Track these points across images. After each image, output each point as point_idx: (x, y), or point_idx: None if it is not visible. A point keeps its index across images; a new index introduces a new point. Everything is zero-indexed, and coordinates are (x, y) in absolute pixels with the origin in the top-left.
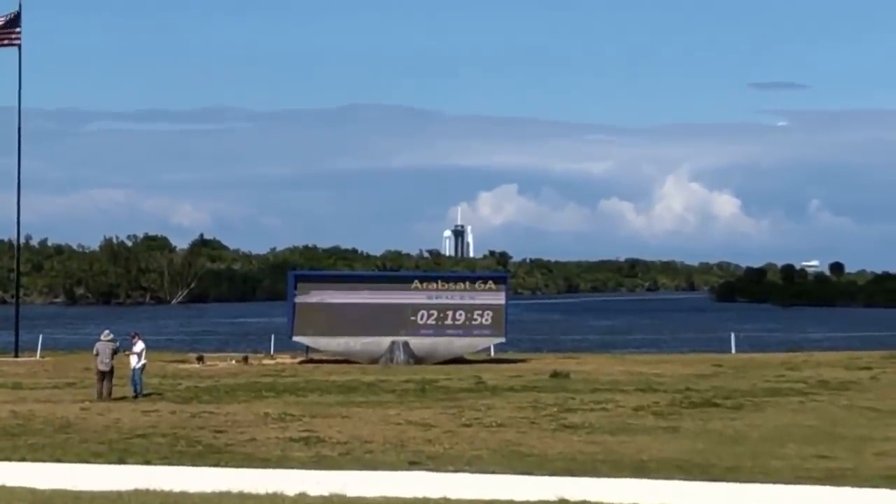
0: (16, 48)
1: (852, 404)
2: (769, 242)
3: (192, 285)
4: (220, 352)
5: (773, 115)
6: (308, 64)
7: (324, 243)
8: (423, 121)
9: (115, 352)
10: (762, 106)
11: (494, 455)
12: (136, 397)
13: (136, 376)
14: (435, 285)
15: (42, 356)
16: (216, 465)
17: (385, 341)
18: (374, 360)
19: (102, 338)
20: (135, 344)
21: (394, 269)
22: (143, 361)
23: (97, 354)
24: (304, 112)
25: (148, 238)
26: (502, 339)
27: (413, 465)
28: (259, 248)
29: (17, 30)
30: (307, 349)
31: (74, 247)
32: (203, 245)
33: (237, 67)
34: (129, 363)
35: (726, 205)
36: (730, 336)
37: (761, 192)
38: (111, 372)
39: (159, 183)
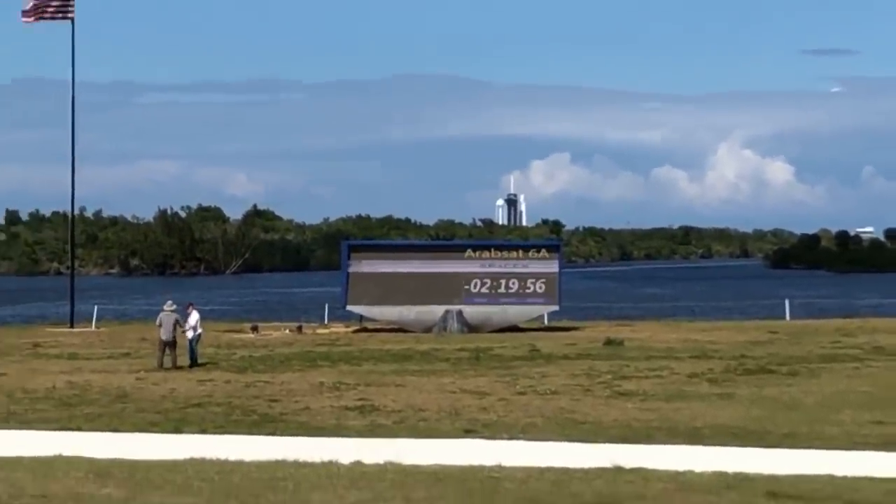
0: (69, 21)
1: None
2: (823, 209)
3: (247, 255)
4: (275, 321)
5: (826, 82)
6: (357, 35)
7: (377, 213)
8: (473, 90)
9: (177, 322)
10: (815, 72)
11: (549, 423)
12: (191, 367)
13: (192, 346)
14: (488, 254)
15: (97, 327)
16: (271, 433)
17: (439, 310)
18: (427, 329)
19: (165, 308)
20: (189, 314)
21: (447, 239)
22: (199, 331)
23: (160, 325)
24: (353, 83)
25: (202, 209)
26: (556, 307)
27: (468, 433)
28: (312, 218)
29: (71, 3)
30: (361, 318)
31: (129, 218)
32: (257, 215)
33: (288, 39)
34: (185, 333)
35: (780, 172)
36: (784, 303)
37: (815, 158)
38: (174, 342)
39: (212, 154)
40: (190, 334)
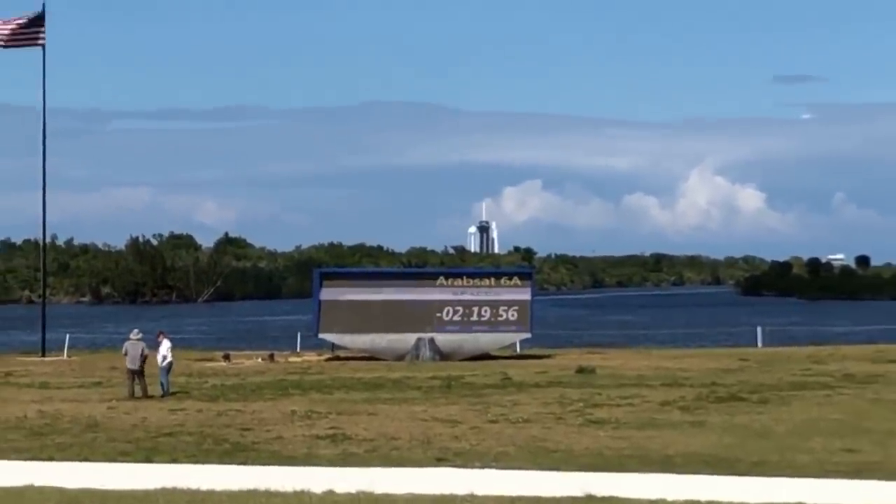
0: (40, 48)
1: (879, 398)
2: (794, 236)
3: (218, 283)
4: (247, 350)
5: (796, 109)
6: (326, 61)
7: (348, 240)
8: (442, 117)
9: (143, 352)
10: (785, 99)
11: (521, 451)
12: (163, 396)
13: (163, 375)
14: (460, 281)
15: (69, 356)
16: (243, 463)
17: (411, 338)
18: (399, 357)
19: (132, 337)
20: (161, 343)
21: (419, 266)
22: (170, 359)
23: (126, 353)
24: (323, 109)
25: (173, 237)
26: (528, 335)
27: (439, 461)
28: (284, 245)
29: (42, 30)
30: (333, 346)
31: (100, 246)
32: (228, 243)
33: (257, 66)
34: (156, 362)
35: (751, 199)
36: (756, 330)
37: (786, 185)
38: (141, 371)
39: (183, 181)
40: (161, 363)
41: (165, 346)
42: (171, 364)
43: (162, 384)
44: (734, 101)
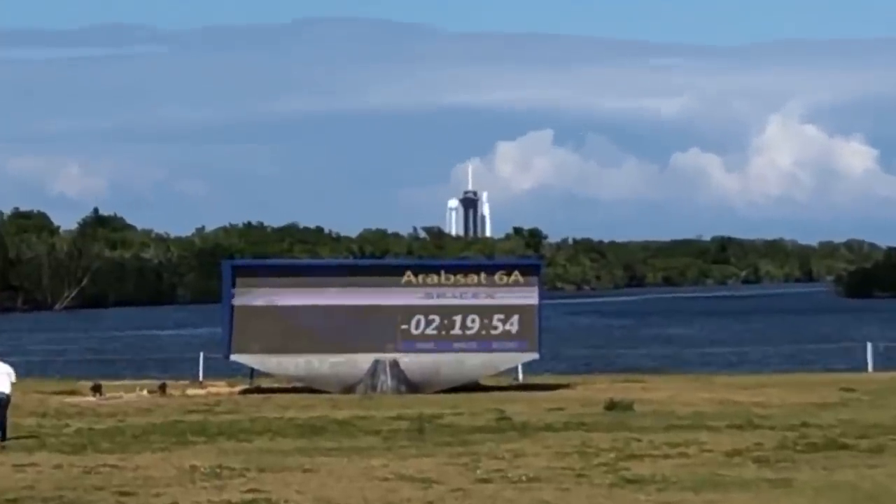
0: None
1: None
2: None
3: (84, 283)
4: (126, 378)
5: None
6: None
7: (273, 220)
8: (409, 40)
9: None
10: None
11: None
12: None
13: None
14: (436, 278)
15: None
16: None
17: (365, 360)
18: (348, 388)
19: None
20: None
21: (376, 256)
22: (7, 392)
23: None
24: (233, 30)
25: (18, 215)
26: (535, 356)
27: None
28: (179, 227)
29: None
30: (252, 373)
31: None
32: (98, 224)
33: None
34: None
35: (857, 157)
36: (865, 347)
37: None
38: None
39: (33, 135)
40: None
41: (3, 372)
42: (8, 398)
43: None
44: (833, 17)
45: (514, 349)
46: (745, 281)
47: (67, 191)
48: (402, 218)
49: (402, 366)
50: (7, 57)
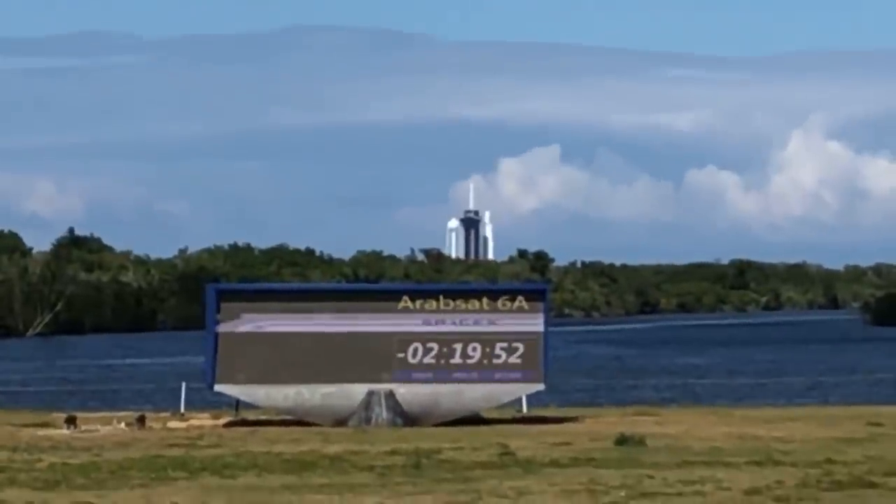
0: None
1: None
2: None
3: (58, 307)
4: (102, 410)
5: None
6: None
7: (261, 241)
8: (406, 50)
9: None
10: None
11: None
12: None
13: None
14: (435, 303)
15: None
16: None
17: (358, 391)
18: (340, 421)
19: None
20: None
21: (370, 280)
22: None
23: None
24: (219, 38)
25: None
26: (540, 387)
27: None
28: (160, 249)
29: None
30: (237, 404)
31: None
32: (74, 246)
33: None
34: None
35: (885, 175)
36: (894, 379)
37: None
38: None
39: (3, 150)
40: None
41: None
42: None
43: None
44: (859, 27)
45: (518, 380)
46: (766, 307)
47: (40, 210)
48: (399, 239)
49: (399, 397)
50: None
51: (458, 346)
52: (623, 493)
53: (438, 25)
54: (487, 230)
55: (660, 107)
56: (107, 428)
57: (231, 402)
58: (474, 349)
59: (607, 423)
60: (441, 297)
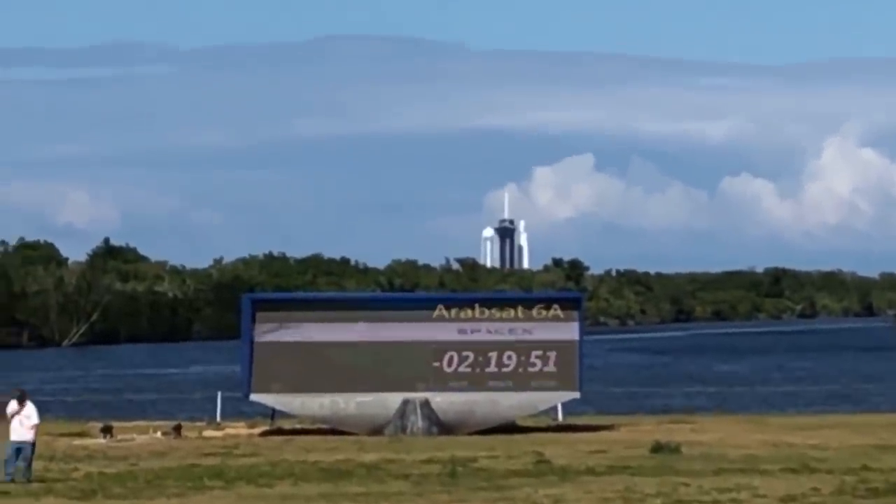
0: None
1: None
2: None
3: (94, 318)
4: (138, 419)
5: None
6: None
7: (296, 251)
8: (437, 59)
9: None
10: None
11: None
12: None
13: (18, 454)
14: (470, 312)
15: None
16: None
17: (394, 400)
18: (376, 430)
19: None
20: (23, 406)
21: (406, 289)
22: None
23: None
24: (250, 48)
25: (24, 246)
26: (576, 395)
27: None
28: (196, 259)
29: None
30: (273, 414)
31: None
32: (109, 256)
33: None
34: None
35: None
36: None
37: None
38: None
39: (37, 161)
40: (20, 432)
41: (29, 412)
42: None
43: (8, 467)
44: (892, 34)
45: (554, 388)
46: (801, 315)
47: (76, 220)
48: (434, 248)
49: (434, 406)
50: (8, 77)
51: (494, 355)
52: (659, 501)
53: (471, 34)
54: (522, 239)
55: (693, 115)
56: (143, 437)
57: (267, 411)
58: (509, 358)
59: (643, 431)
60: (476, 306)
